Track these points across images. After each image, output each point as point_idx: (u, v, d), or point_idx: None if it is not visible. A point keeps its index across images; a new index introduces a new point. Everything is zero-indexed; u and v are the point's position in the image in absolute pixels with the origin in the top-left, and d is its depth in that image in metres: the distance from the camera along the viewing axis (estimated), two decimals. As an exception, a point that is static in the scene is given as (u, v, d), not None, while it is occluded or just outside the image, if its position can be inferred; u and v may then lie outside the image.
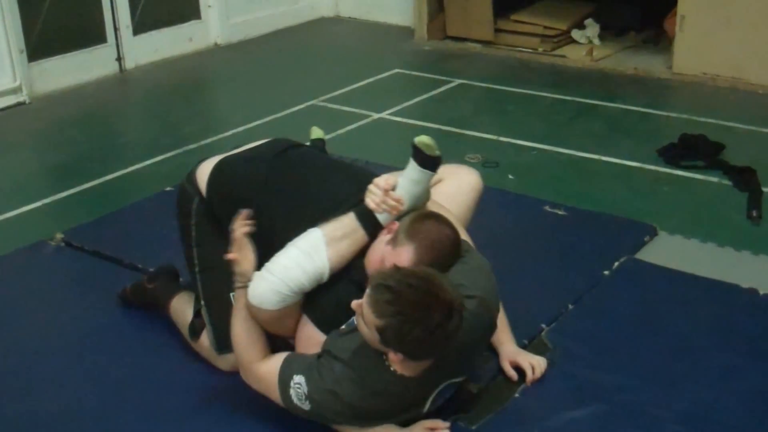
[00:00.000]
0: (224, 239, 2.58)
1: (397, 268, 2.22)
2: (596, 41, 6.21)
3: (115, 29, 5.83)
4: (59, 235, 3.58)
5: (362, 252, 2.50)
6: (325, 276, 2.45)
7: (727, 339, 2.86)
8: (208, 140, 4.72)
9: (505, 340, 2.69)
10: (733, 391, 2.61)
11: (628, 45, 6.24)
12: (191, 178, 2.77)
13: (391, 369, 2.25)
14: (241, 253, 2.48)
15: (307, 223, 2.51)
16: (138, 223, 3.73)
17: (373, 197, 2.50)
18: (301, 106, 5.23)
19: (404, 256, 2.36)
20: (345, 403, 2.27)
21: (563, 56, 6.08)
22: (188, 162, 3.35)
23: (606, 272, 3.25)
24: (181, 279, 3.01)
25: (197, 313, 2.75)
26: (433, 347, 2.18)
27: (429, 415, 2.40)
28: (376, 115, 5.06)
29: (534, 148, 4.54)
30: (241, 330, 2.45)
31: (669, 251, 3.43)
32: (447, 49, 6.42)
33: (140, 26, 6.01)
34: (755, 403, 2.56)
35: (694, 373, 2.69)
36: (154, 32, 6.13)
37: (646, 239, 3.50)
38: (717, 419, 2.50)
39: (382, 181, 2.51)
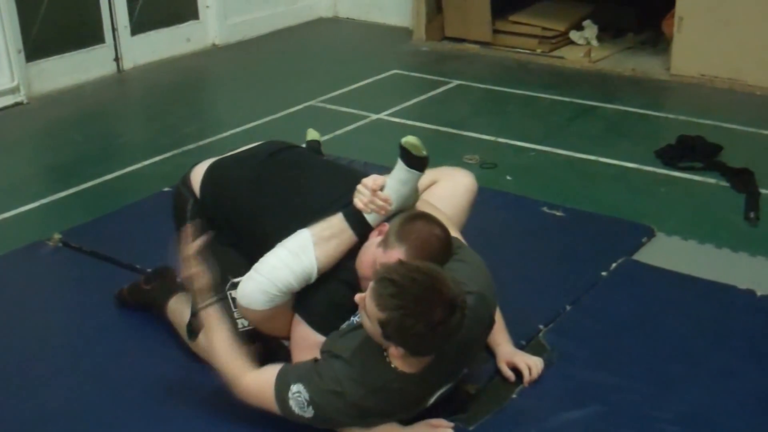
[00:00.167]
0: (220, 240, 2.62)
1: (401, 263, 2.23)
2: (594, 42, 6.21)
3: (113, 29, 5.83)
4: (57, 236, 3.57)
5: (352, 252, 2.51)
6: (314, 276, 2.46)
7: (724, 340, 2.86)
8: (206, 141, 4.72)
9: (502, 341, 2.69)
10: (730, 391, 2.61)
11: (626, 46, 6.25)
12: (186, 180, 2.80)
13: (392, 366, 2.25)
14: (194, 272, 2.45)
15: (298, 224, 2.52)
16: (136, 223, 3.72)
17: (361, 197, 2.51)
18: (299, 107, 5.23)
19: (395, 257, 2.36)
20: (347, 402, 2.27)
21: (561, 57, 6.08)
22: (186, 162, 3.35)
23: (604, 273, 3.25)
24: (178, 280, 3.01)
25: (194, 314, 2.75)
26: (434, 343, 2.19)
27: (430, 414, 2.40)
28: (374, 116, 5.06)
29: (532, 149, 4.54)
30: (220, 347, 2.41)
31: (667, 252, 3.43)
32: (445, 50, 6.42)
33: (138, 26, 6.01)
34: (752, 404, 2.56)
35: (691, 373, 2.69)
36: (152, 32, 6.12)
37: (643, 240, 3.51)
38: (714, 420, 2.50)
39: (370, 181, 2.52)
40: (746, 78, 5.37)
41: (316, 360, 2.35)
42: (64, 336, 2.97)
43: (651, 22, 6.22)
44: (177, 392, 2.65)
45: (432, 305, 2.13)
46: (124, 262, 3.36)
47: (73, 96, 5.51)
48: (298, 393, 2.29)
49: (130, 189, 4.14)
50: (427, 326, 2.13)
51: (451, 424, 2.40)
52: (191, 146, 4.63)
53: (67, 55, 5.62)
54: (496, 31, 6.32)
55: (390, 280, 2.16)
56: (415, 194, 2.61)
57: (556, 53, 6.14)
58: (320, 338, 2.45)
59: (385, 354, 2.25)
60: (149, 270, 3.12)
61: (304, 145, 3.14)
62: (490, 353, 2.69)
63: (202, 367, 2.72)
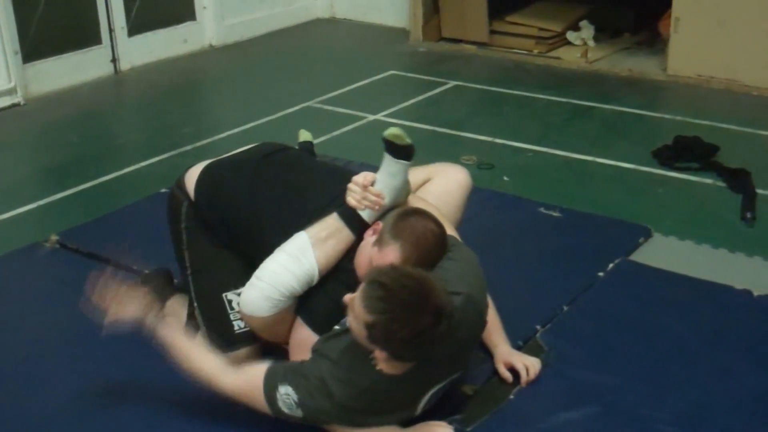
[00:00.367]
0: (214, 242, 2.65)
1: (393, 267, 2.23)
2: (591, 43, 6.22)
3: (110, 30, 5.84)
4: (54, 237, 3.57)
5: (351, 253, 2.51)
6: (315, 278, 2.46)
7: (721, 340, 2.86)
8: (204, 142, 4.72)
9: (499, 342, 2.69)
10: (727, 391, 2.61)
11: (622, 47, 6.26)
12: (180, 182, 2.80)
13: (377, 368, 2.25)
14: (120, 306, 2.47)
15: (293, 226, 2.52)
16: (133, 224, 3.72)
17: (353, 195, 2.52)
18: (297, 108, 5.23)
19: (391, 255, 2.36)
20: (335, 403, 2.27)
21: (558, 58, 6.09)
22: (183, 163, 3.35)
23: (601, 274, 3.25)
24: (175, 281, 3.01)
25: (191, 315, 2.76)
26: (418, 350, 2.18)
27: (427, 416, 2.40)
28: (371, 117, 5.06)
29: (529, 150, 4.55)
30: (196, 359, 2.41)
31: (663, 253, 3.44)
32: (442, 50, 6.43)
33: (135, 27, 6.01)
34: (749, 404, 2.57)
35: (688, 374, 2.70)
36: (149, 33, 6.12)
37: (640, 241, 3.51)
38: (711, 420, 2.50)
39: (361, 178, 2.53)
40: (743, 78, 5.38)
41: (302, 361, 2.35)
42: (61, 337, 2.97)
43: (647, 23, 6.23)
44: (174, 393, 2.64)
45: (419, 312, 2.12)
46: (122, 264, 3.36)
47: (70, 97, 5.51)
48: (286, 395, 2.29)
49: (127, 190, 4.14)
50: (412, 332, 2.12)
51: (451, 427, 2.40)
52: (188, 147, 4.63)
53: (64, 56, 5.62)
54: (492, 32, 6.32)
55: (380, 283, 2.15)
56: (407, 186, 2.61)
57: (552, 54, 6.15)
58: (320, 340, 2.45)
59: (370, 357, 2.25)
60: (146, 271, 3.11)
61: (297, 146, 3.15)
62: (488, 354, 2.69)
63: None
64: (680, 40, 5.54)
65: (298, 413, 2.30)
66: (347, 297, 2.23)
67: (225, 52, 6.54)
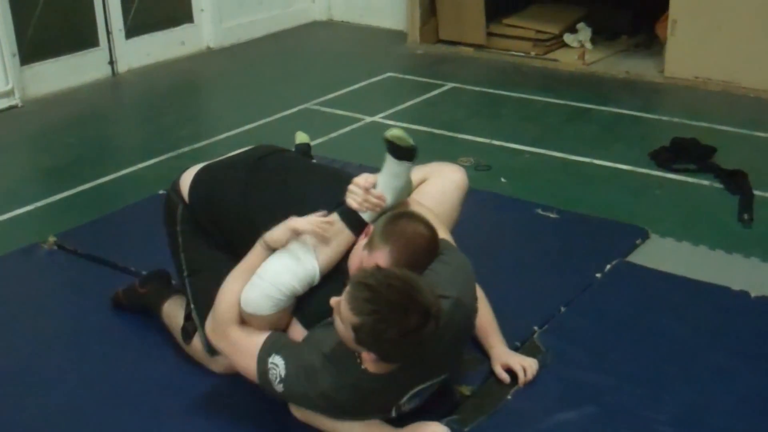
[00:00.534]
0: (210, 244, 2.66)
1: (378, 268, 2.22)
2: (588, 45, 6.22)
3: (108, 33, 5.84)
4: (52, 239, 3.57)
5: (349, 254, 2.52)
6: (316, 279, 2.46)
7: (718, 341, 2.86)
8: (201, 143, 4.72)
9: (496, 343, 2.69)
10: (724, 393, 2.62)
11: (620, 49, 6.26)
12: (175, 185, 2.80)
13: (362, 367, 2.25)
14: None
15: None
16: (131, 226, 3.72)
17: (354, 197, 2.52)
18: (294, 110, 5.24)
19: (380, 259, 2.35)
20: (319, 392, 2.27)
21: (555, 60, 6.10)
22: (180, 165, 3.35)
23: (598, 275, 3.25)
24: (173, 282, 3.01)
25: (188, 317, 2.76)
26: (406, 350, 2.18)
27: (424, 416, 2.40)
28: (368, 119, 5.06)
29: (526, 152, 4.55)
30: (236, 288, 2.43)
31: (661, 254, 3.44)
32: (439, 52, 6.43)
33: (133, 30, 6.01)
34: (746, 405, 2.57)
35: (685, 375, 2.70)
36: (146, 36, 6.13)
37: (637, 242, 3.51)
38: (708, 421, 2.50)
39: (362, 179, 2.53)
40: (739, 80, 5.39)
41: (302, 342, 2.36)
42: (59, 339, 2.97)
43: (645, 25, 6.23)
44: (172, 394, 2.65)
45: (406, 312, 2.12)
46: (119, 265, 3.36)
47: (67, 99, 5.51)
48: (274, 365, 2.30)
49: (124, 192, 4.14)
50: (399, 333, 2.11)
51: (447, 428, 2.39)
52: (186, 149, 4.63)
53: (61, 58, 5.62)
54: (490, 34, 6.33)
55: (366, 284, 2.15)
56: (408, 187, 2.62)
57: (550, 56, 6.15)
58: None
59: (356, 356, 2.25)
60: (144, 273, 3.12)
61: (293, 149, 3.15)
62: (485, 355, 2.70)
63: (197, 369, 2.73)
64: (677, 42, 5.55)
65: (279, 389, 2.31)
66: (333, 300, 2.22)
67: (222, 54, 6.54)
